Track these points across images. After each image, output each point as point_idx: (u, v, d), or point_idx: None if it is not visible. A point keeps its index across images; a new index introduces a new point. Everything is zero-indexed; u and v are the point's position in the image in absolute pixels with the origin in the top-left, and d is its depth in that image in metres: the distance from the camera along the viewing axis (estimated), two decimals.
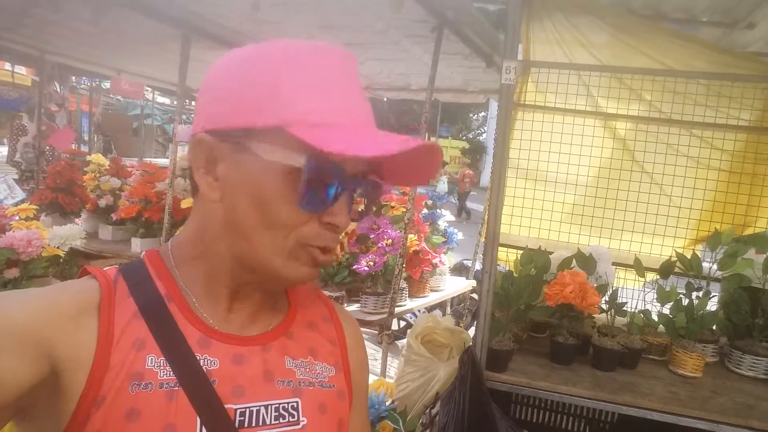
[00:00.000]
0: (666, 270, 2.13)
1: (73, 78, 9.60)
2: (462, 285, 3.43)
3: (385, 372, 2.48)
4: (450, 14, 2.45)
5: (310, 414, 0.73)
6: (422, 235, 2.90)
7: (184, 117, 3.18)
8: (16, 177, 6.16)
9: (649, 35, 2.53)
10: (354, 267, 2.56)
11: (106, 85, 10.33)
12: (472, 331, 2.58)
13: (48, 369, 0.61)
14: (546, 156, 2.68)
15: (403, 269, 2.56)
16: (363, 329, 2.81)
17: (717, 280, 2.18)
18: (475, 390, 1.71)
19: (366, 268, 2.51)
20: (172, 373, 0.65)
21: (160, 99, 13.43)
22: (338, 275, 2.56)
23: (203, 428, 0.65)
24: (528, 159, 2.72)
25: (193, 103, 6.55)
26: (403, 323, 4.45)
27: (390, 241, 2.58)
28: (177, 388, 0.65)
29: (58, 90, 6.89)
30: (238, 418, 0.67)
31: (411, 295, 2.84)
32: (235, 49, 0.69)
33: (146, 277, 0.71)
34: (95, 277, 0.69)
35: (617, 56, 2.55)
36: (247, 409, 0.69)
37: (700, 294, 2.06)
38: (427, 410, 1.88)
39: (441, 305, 3.55)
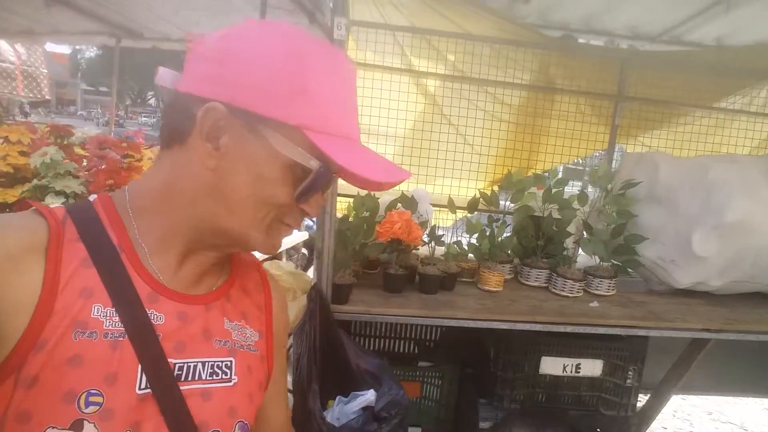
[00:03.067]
0: (472, 206, 2.53)
1: None
2: (295, 237, 3.58)
3: None
4: None
5: (241, 373, 0.78)
6: None
7: None
8: None
9: (450, 2, 2.87)
10: None
11: None
12: (311, 273, 2.75)
13: None
14: (368, 111, 2.92)
15: None
16: None
17: (510, 213, 2.65)
18: (324, 321, 1.88)
19: None
20: (118, 324, 0.67)
21: None
22: None
23: (143, 378, 0.67)
24: None
25: None
26: None
27: None
28: (122, 339, 0.66)
29: None
30: (177, 372, 0.71)
31: None
32: (261, 23, 0.71)
33: (97, 223, 0.71)
34: (42, 214, 0.67)
35: (426, 20, 2.84)
36: (186, 364, 0.72)
37: (499, 224, 2.50)
38: None
39: (276, 256, 3.67)
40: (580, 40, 3.17)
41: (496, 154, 2.96)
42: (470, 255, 2.57)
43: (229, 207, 0.70)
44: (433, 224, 2.50)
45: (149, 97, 25.51)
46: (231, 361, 0.77)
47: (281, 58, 0.67)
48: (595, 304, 2.31)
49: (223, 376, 0.76)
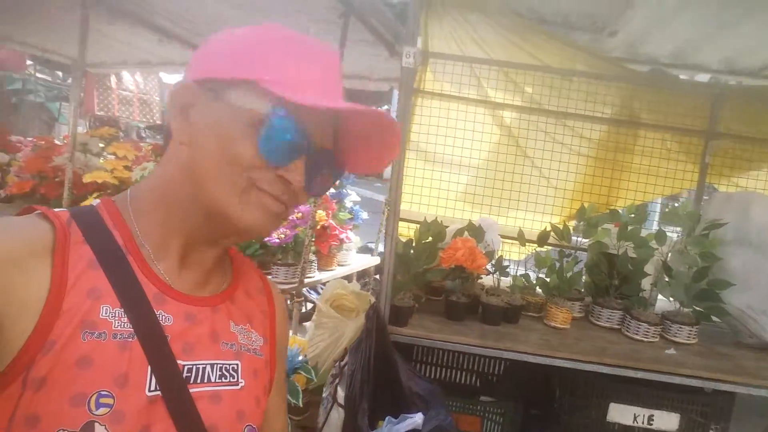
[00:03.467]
0: (542, 239, 2.47)
1: None
2: (367, 261, 3.65)
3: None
4: (356, 1, 2.62)
5: (247, 377, 0.77)
6: (330, 211, 3.07)
7: (82, 95, 3.08)
8: None
9: (531, 35, 2.87)
10: (265, 240, 2.67)
11: None
12: None
13: None
14: (443, 140, 2.96)
15: (313, 242, 2.71)
16: None
17: (584, 249, 2.56)
18: (380, 340, 1.90)
19: (277, 240, 2.63)
20: (127, 324, 0.66)
21: (41, 75, 12.29)
22: (250, 248, 2.66)
23: (152, 380, 0.66)
24: (426, 142, 2.98)
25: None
26: (311, 305, 4.61)
27: (300, 214, 2.72)
28: (131, 340, 0.65)
29: None
30: (185, 374, 0.70)
31: (320, 268, 3.00)
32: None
33: (102, 225, 0.71)
34: (48, 217, 0.67)
35: (504, 52, 2.86)
36: (195, 366, 0.71)
37: (569, 259, 2.42)
38: (336, 363, 2.06)
39: (347, 279, 3.74)
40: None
41: (573, 188, 2.88)
42: (538, 289, 2.49)
43: (203, 179, 0.69)
44: (499, 255, 2.46)
45: None
46: (237, 364, 0.77)
47: (245, 30, 0.70)
48: (671, 351, 2.15)
49: (231, 379, 0.75)
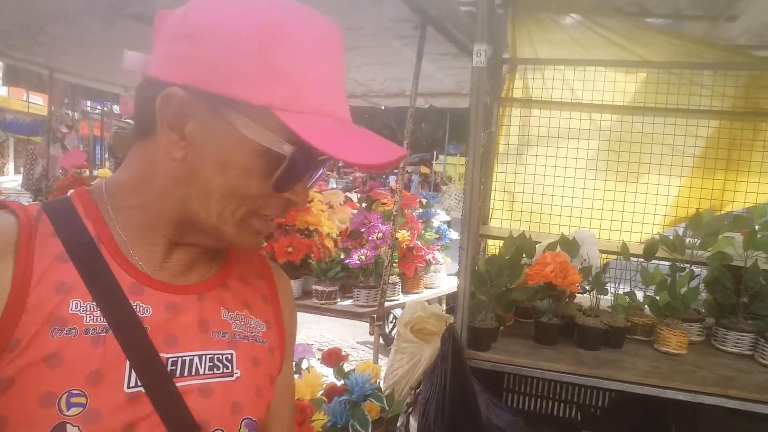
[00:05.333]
0: (650, 250, 2.16)
1: (88, 102, 9.83)
2: (455, 284, 3.47)
3: (376, 361, 2.52)
4: (433, 11, 2.53)
5: (244, 367, 0.73)
6: (415, 232, 2.96)
7: None
8: (30, 199, 6.33)
9: (633, 32, 2.61)
10: (346, 261, 2.61)
11: (118, 109, 10.55)
12: None
13: None
14: (534, 150, 2.76)
15: (395, 262, 2.62)
16: (356, 321, 2.85)
17: (701, 263, 2.20)
18: (457, 366, 1.74)
19: (358, 262, 2.57)
20: (100, 318, 0.63)
21: None
22: (331, 270, 2.62)
23: (132, 376, 0.63)
24: (517, 154, 2.80)
25: None
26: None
27: (381, 234, 2.64)
28: (105, 334, 0.62)
29: (69, 113, 7.10)
30: (170, 367, 0.66)
31: (405, 291, 2.88)
32: None
33: (74, 217, 0.67)
34: (14, 212, 0.64)
35: (604, 53, 2.63)
36: (180, 359, 0.67)
37: (684, 274, 2.09)
38: (413, 391, 1.92)
39: (438, 303, 3.59)
40: None
41: (677, 194, 2.53)
42: (647, 310, 2.18)
43: (200, 199, 0.65)
44: (598, 269, 2.19)
45: None
46: (231, 354, 0.72)
47: (247, 31, 0.60)
48: None
49: (224, 370, 0.70)
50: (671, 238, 2.21)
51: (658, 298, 2.08)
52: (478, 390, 1.71)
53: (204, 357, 0.69)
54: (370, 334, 2.57)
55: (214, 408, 0.68)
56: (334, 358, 2.08)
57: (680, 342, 1.97)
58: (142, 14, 2.82)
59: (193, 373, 0.67)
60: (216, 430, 0.68)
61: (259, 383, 0.74)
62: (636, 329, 2.12)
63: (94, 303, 0.63)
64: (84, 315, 0.62)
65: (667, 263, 2.23)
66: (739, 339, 2.02)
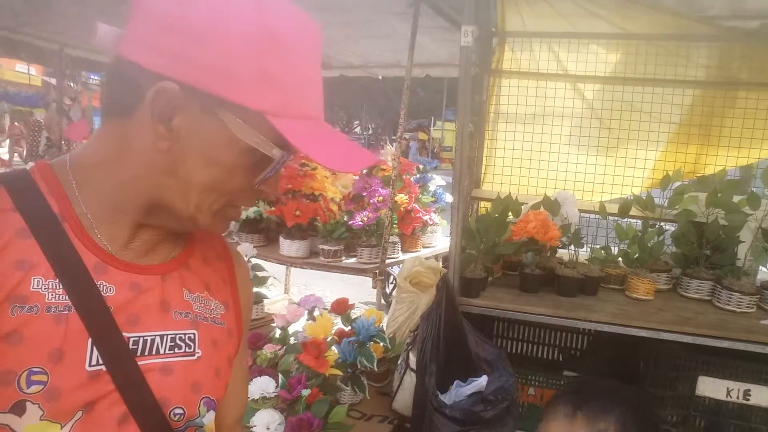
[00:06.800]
0: (624, 210, 2.40)
1: (84, 73, 9.85)
2: None
3: None
4: None
5: (205, 347, 0.73)
6: (413, 195, 3.19)
7: None
8: None
9: (615, 6, 2.78)
10: (350, 223, 2.85)
11: None
12: None
13: None
14: (522, 119, 2.97)
15: (395, 223, 2.85)
16: (358, 283, 3.07)
17: (670, 220, 2.44)
18: (450, 310, 1.99)
19: (360, 223, 2.81)
20: (63, 296, 0.62)
21: None
22: (336, 231, 2.86)
23: (94, 354, 0.62)
24: (506, 122, 3.01)
25: None
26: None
27: (381, 198, 2.88)
28: (67, 312, 0.62)
29: (72, 85, 7.19)
30: (132, 346, 0.66)
31: (404, 250, 3.13)
32: None
33: (35, 191, 0.65)
34: None
35: (585, 24, 2.80)
36: (141, 338, 0.67)
37: (653, 230, 2.33)
38: (411, 333, 2.18)
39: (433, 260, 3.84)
40: None
41: (655, 158, 2.75)
42: (621, 261, 2.43)
43: (179, 190, 0.66)
44: (577, 226, 2.43)
45: (355, 125, 28.21)
46: (194, 334, 0.73)
47: (245, 35, 0.61)
48: (766, 321, 2.02)
49: (186, 350, 0.71)
50: (644, 198, 2.44)
51: (629, 250, 2.34)
52: (468, 329, 1.96)
53: (165, 337, 0.70)
54: (373, 288, 2.83)
55: (174, 387, 0.69)
56: (342, 306, 2.35)
57: (648, 289, 2.23)
58: None
59: (155, 353, 0.68)
60: (176, 408, 0.69)
61: (218, 364, 0.76)
62: (610, 279, 2.37)
63: (57, 281, 0.62)
64: (46, 293, 0.61)
65: (640, 221, 2.47)
66: (699, 286, 2.28)
